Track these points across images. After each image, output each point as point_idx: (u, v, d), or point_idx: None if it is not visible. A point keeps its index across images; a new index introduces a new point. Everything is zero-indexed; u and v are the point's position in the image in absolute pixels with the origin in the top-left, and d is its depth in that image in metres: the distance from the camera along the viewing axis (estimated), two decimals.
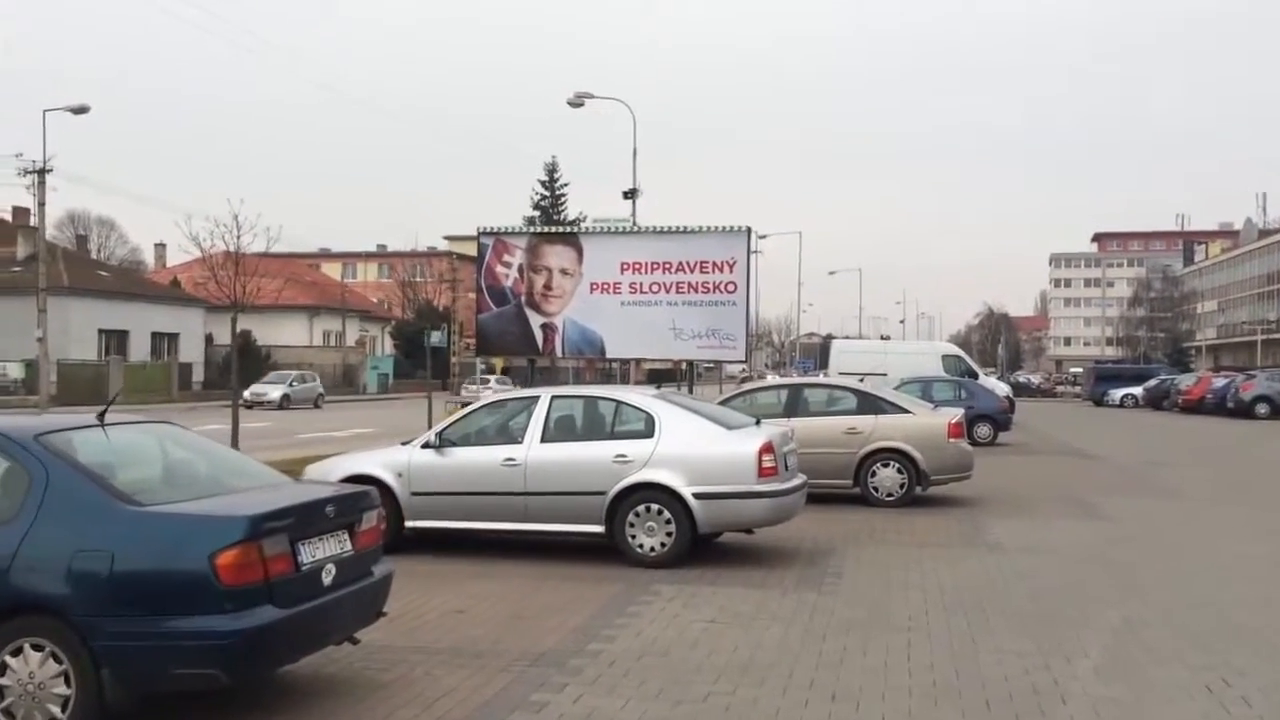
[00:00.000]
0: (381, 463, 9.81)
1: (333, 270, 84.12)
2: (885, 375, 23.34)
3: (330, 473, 9.81)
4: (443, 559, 9.31)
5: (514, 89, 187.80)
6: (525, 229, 19.85)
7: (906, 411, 13.51)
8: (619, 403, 9.64)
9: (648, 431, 9.23)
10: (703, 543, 9.25)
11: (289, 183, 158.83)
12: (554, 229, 29.05)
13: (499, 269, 19.68)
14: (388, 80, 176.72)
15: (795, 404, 13.88)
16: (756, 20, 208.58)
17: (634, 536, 9.03)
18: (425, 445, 9.76)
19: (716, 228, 18.62)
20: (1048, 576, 8.61)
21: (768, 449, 9.02)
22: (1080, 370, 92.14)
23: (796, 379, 18.40)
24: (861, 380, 14.99)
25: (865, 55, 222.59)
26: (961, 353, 34.04)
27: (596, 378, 55.98)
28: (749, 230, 18.69)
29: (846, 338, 58.76)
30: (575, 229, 24.49)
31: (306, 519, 5.16)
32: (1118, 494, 14.67)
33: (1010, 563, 9.21)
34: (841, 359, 31.73)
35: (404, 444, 10.07)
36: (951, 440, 13.21)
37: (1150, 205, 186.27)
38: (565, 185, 69.97)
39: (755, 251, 35.05)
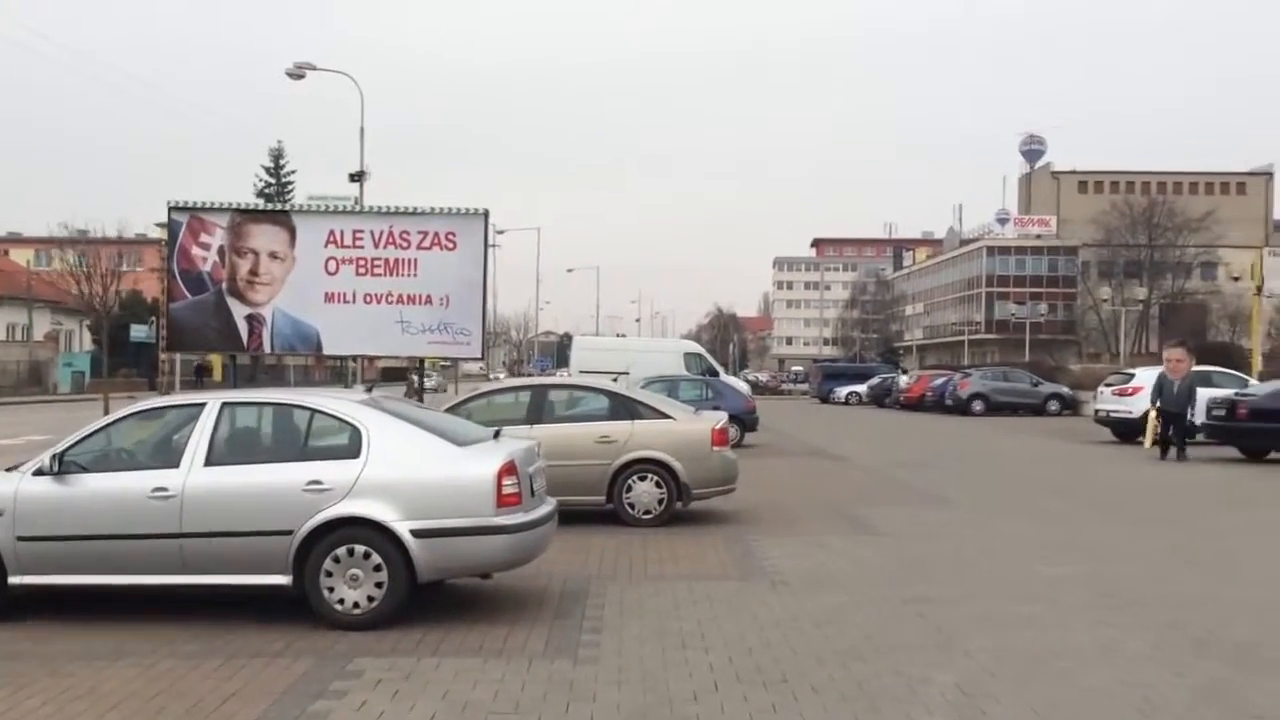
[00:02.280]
0: None
1: (23, 256, 74.64)
2: (628, 374, 22.00)
3: None
4: (54, 631, 6.75)
5: (247, 75, 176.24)
6: (226, 205, 16.89)
7: (666, 416, 11.88)
8: (314, 411, 7.37)
9: (352, 450, 7.06)
10: (423, 590, 7.17)
11: None
12: (261, 206, 25.83)
13: (195, 251, 16.65)
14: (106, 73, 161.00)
15: (540, 408, 11.94)
16: (492, 38, 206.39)
17: (332, 589, 6.84)
18: (39, 471, 7.13)
19: (450, 209, 16.44)
20: (847, 623, 7.10)
21: (509, 470, 7.06)
22: (801, 369, 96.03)
23: (541, 379, 16.51)
24: (615, 380, 13.29)
25: (601, 74, 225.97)
26: (703, 351, 33.43)
27: (327, 376, 51.66)
28: (486, 214, 16.62)
29: (584, 335, 57.64)
30: (287, 207, 21.60)
31: None
32: (880, 503, 13.72)
33: (799, 604, 7.67)
34: (583, 356, 30.37)
35: (10, 469, 7.36)
36: (716, 449, 11.67)
37: (863, 215, 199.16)
38: (293, 172, 65.16)
39: (494, 245, 32.96)
